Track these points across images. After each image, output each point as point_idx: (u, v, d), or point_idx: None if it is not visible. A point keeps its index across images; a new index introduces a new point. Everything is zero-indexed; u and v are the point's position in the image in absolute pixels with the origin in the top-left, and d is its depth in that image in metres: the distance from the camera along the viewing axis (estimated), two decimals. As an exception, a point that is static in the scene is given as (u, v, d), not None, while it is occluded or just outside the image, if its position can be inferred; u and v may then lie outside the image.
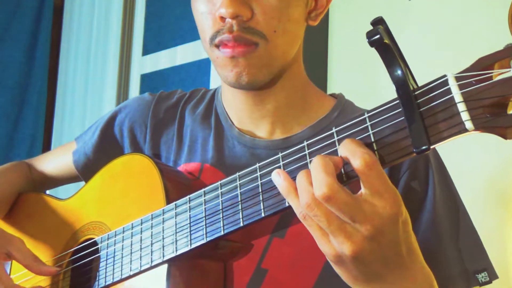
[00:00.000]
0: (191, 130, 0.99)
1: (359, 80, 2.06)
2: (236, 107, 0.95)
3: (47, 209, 1.05)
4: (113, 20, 2.65)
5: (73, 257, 0.97)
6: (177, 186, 0.88)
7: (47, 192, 1.19)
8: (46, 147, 2.84)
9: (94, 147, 1.08)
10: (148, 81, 2.50)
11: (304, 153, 0.66)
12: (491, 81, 0.51)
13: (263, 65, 0.84)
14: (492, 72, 0.51)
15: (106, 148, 1.07)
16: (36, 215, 1.07)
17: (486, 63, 0.52)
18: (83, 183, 1.06)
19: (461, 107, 0.53)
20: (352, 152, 0.59)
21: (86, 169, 1.09)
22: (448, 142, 0.55)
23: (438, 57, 1.82)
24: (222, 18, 0.81)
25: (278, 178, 0.64)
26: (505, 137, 0.52)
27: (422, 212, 0.83)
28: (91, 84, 2.71)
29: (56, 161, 1.16)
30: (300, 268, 0.83)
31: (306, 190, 0.60)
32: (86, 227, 0.96)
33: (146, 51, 2.54)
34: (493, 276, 0.83)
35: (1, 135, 2.72)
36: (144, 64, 2.54)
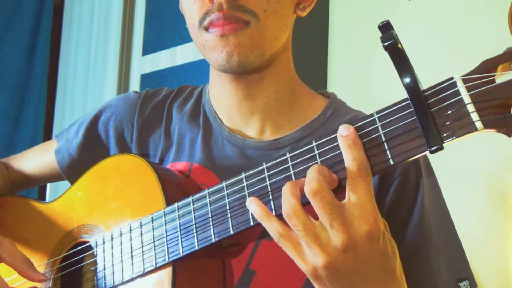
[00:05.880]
0: (178, 129, 0.98)
1: (359, 80, 2.06)
2: (225, 103, 0.94)
3: (31, 213, 1.01)
4: (113, 20, 2.65)
5: (64, 263, 0.94)
6: (172, 185, 0.86)
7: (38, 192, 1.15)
8: (46, 147, 2.84)
9: (79, 147, 1.06)
10: (148, 81, 2.50)
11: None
12: (496, 83, 0.54)
13: (254, 45, 0.83)
14: (495, 75, 0.53)
15: (91, 148, 1.05)
16: (20, 219, 1.03)
17: (490, 65, 0.55)
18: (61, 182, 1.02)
19: (471, 108, 0.56)
20: (354, 156, 0.62)
21: (71, 170, 1.07)
22: (457, 141, 0.58)
23: (438, 57, 1.83)
24: None
25: (251, 205, 0.67)
26: (509, 135, 0.55)
27: (411, 218, 0.84)
28: (91, 84, 2.71)
29: (36, 160, 1.13)
30: (288, 270, 0.82)
31: (287, 201, 0.63)
32: (77, 230, 0.93)
33: (146, 51, 2.54)
34: (473, 285, 0.84)
35: (1, 135, 2.72)
36: (144, 64, 2.53)
